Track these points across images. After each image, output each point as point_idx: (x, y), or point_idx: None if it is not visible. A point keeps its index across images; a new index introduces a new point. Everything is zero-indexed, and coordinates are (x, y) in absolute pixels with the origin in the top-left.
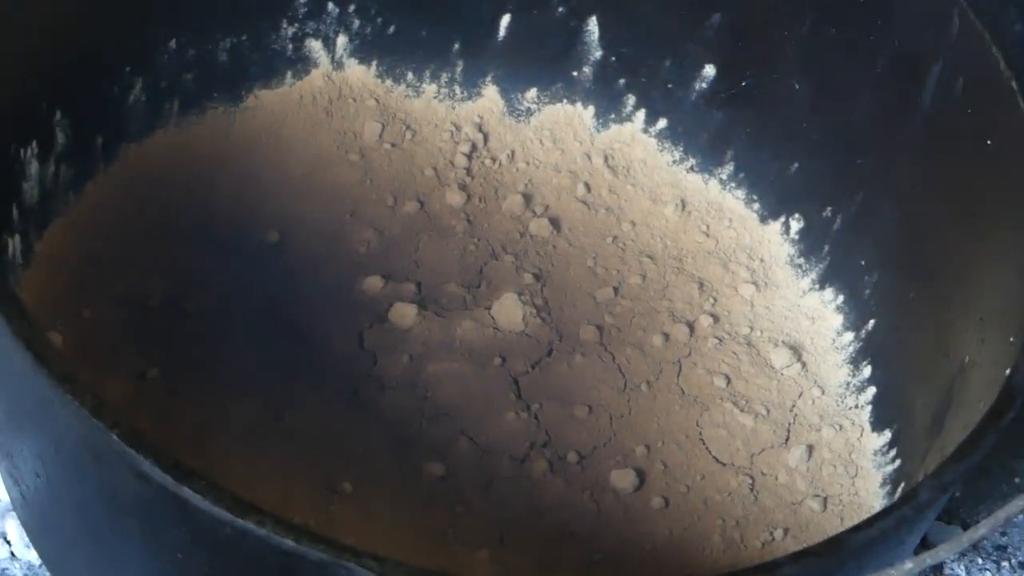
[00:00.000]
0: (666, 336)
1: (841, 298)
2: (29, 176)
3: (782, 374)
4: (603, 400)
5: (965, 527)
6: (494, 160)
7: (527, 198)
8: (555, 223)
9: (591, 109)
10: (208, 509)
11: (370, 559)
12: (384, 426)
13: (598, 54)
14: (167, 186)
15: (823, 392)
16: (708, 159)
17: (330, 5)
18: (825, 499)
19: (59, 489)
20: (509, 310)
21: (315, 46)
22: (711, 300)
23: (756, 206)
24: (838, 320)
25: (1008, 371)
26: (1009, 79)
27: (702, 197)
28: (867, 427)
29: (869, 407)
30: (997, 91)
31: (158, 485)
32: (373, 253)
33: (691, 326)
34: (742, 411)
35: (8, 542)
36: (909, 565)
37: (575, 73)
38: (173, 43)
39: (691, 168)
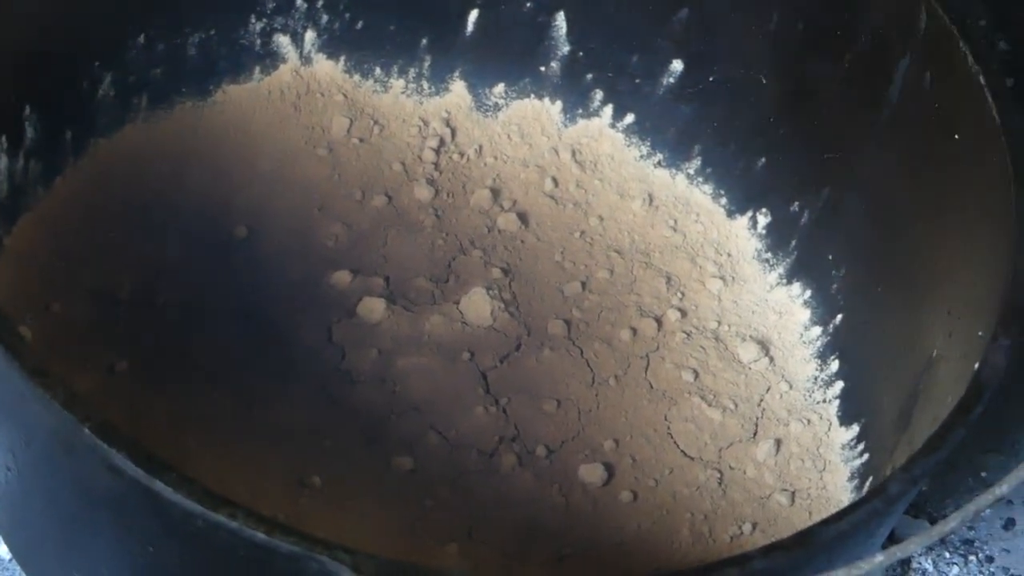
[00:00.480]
0: (634, 330)
1: (809, 293)
2: None
3: (750, 368)
4: (571, 394)
5: (932, 521)
6: (462, 155)
7: (495, 193)
8: (523, 218)
9: (559, 104)
10: (180, 502)
11: (342, 551)
12: (353, 420)
13: (566, 49)
14: (136, 180)
15: (791, 387)
16: (675, 154)
17: (298, 1)
18: (793, 493)
19: (30, 483)
20: (477, 305)
21: (283, 41)
22: (679, 295)
23: (723, 201)
24: (806, 315)
25: (976, 365)
26: (977, 74)
27: (669, 192)
28: (835, 421)
29: (837, 401)
30: (965, 86)
31: (130, 478)
32: (341, 247)
33: (659, 320)
34: (710, 405)
35: None
36: (880, 558)
37: (543, 68)
38: (142, 38)
39: (658, 163)
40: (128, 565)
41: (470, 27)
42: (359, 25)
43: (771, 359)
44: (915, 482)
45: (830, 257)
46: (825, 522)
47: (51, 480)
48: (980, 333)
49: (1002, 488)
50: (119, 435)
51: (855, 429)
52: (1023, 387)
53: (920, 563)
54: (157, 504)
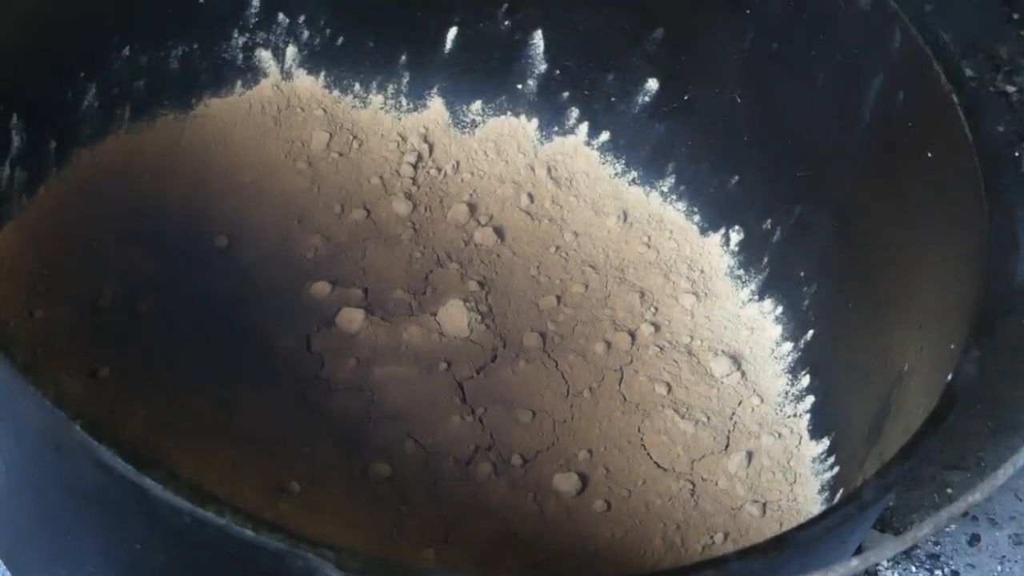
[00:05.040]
0: (608, 344)
1: (780, 309)
2: None
3: (722, 382)
4: (546, 405)
5: (898, 536)
6: (439, 170)
7: (472, 208)
8: (499, 232)
9: (535, 121)
10: (168, 499)
11: (327, 549)
12: (332, 427)
13: (543, 67)
14: (118, 190)
15: (762, 400)
16: (650, 171)
17: (280, 15)
18: (764, 504)
19: (18, 481)
20: (454, 316)
21: (265, 56)
22: (652, 309)
23: (696, 218)
24: (777, 330)
25: (949, 376)
26: (949, 92)
27: (643, 209)
28: (806, 435)
29: (808, 415)
30: (937, 105)
31: (119, 475)
32: (320, 259)
33: (632, 334)
34: (683, 418)
35: None
36: (854, 563)
37: (519, 86)
38: (126, 50)
39: (633, 180)
40: (115, 563)
41: (448, 44)
42: (339, 41)
43: (743, 373)
44: (888, 488)
45: (802, 274)
46: (801, 526)
47: (39, 478)
48: (952, 346)
49: (975, 496)
50: (108, 432)
51: (825, 443)
52: (988, 405)
53: None
54: (145, 501)
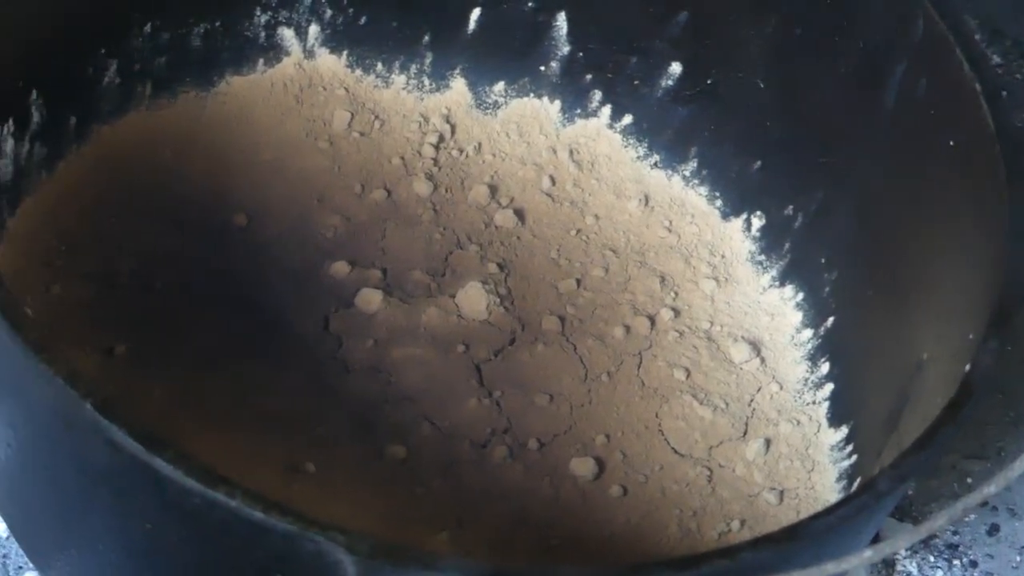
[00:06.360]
0: (627, 328)
1: (801, 295)
2: (4, 154)
3: (741, 369)
4: (564, 389)
5: (916, 525)
6: (461, 151)
7: (493, 189)
8: (520, 215)
9: (557, 103)
10: (179, 479)
11: (337, 532)
12: (347, 408)
13: (566, 49)
14: (137, 167)
15: (781, 387)
16: (672, 155)
17: None
18: (781, 492)
19: (30, 458)
20: (473, 298)
21: (287, 34)
22: (672, 294)
23: (718, 203)
24: (797, 317)
25: (967, 366)
26: (972, 80)
27: (665, 193)
28: (824, 423)
29: (826, 403)
30: (960, 92)
31: (130, 455)
32: (340, 239)
33: (652, 319)
34: (701, 404)
35: None
36: (868, 553)
37: (542, 68)
38: (148, 27)
39: (655, 164)
40: (125, 542)
41: (472, 25)
42: (362, 20)
43: (762, 360)
44: (903, 479)
45: (823, 260)
46: (814, 516)
47: (51, 456)
48: (971, 336)
49: (990, 488)
50: (120, 412)
51: (844, 431)
52: (1010, 395)
53: (905, 566)
54: (156, 481)
